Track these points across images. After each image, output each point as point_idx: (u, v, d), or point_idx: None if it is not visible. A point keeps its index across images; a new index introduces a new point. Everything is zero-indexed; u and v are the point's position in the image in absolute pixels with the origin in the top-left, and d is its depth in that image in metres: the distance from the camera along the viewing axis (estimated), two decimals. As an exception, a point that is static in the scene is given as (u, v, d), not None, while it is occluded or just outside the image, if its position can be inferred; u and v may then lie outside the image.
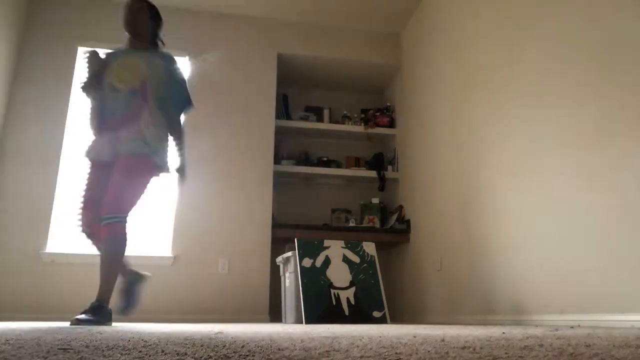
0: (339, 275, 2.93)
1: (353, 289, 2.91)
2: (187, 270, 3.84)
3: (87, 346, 0.84)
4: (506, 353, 0.71)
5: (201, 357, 0.69)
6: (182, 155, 2.67)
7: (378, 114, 4.77)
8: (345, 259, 2.99)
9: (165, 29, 4.32)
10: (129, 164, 2.37)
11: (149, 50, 2.62)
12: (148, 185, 2.45)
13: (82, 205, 2.41)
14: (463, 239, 3.28)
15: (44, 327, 1.80)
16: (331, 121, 4.72)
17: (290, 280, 3.11)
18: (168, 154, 2.58)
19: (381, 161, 4.63)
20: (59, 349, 0.79)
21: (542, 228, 2.48)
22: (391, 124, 4.74)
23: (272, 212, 4.14)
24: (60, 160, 3.92)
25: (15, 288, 3.58)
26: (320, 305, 2.80)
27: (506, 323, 2.69)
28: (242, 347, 0.86)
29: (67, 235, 3.81)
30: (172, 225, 3.93)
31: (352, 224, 4.42)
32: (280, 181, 4.68)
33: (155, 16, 2.68)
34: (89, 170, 2.48)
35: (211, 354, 0.73)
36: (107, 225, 2.28)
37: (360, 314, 2.84)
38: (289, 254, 3.08)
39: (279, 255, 3.38)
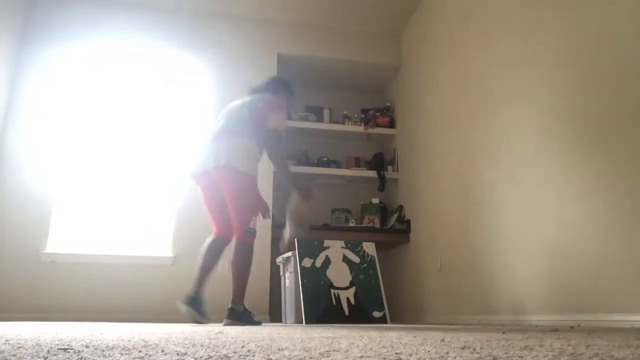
0: (339, 275, 2.93)
1: (353, 289, 2.90)
2: (187, 270, 3.83)
3: (87, 346, 0.84)
4: (506, 353, 0.71)
5: (201, 357, 0.69)
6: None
7: (378, 114, 4.77)
8: (345, 259, 2.99)
9: (166, 30, 4.34)
10: None
11: None
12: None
13: None
14: (463, 239, 3.28)
15: (44, 327, 1.80)
16: (331, 121, 4.71)
17: (290, 280, 3.10)
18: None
19: (381, 161, 4.63)
20: (59, 349, 0.79)
21: (542, 228, 2.48)
22: (391, 124, 4.74)
23: (272, 212, 4.14)
24: (61, 160, 3.92)
25: (15, 288, 3.57)
26: (320, 305, 2.80)
27: (506, 323, 2.69)
28: (242, 347, 0.86)
29: (67, 235, 3.81)
30: (172, 225, 3.93)
31: (352, 224, 4.42)
32: (280, 181, 4.68)
33: None
34: None
35: (211, 354, 0.73)
36: None
37: (360, 314, 2.84)
38: (289, 254, 3.08)
39: (279, 255, 3.37)
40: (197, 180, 2.66)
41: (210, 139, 2.63)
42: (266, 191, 4.08)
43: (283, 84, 2.97)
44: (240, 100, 2.82)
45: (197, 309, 2.53)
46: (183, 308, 2.51)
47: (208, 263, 2.61)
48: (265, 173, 4.14)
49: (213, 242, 2.65)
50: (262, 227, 3.99)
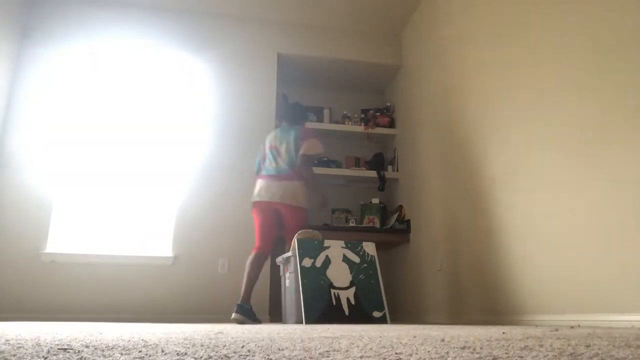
0: (339, 275, 2.93)
1: (353, 289, 2.90)
2: (187, 270, 3.84)
3: (87, 346, 0.84)
4: (506, 353, 0.71)
5: (201, 357, 0.69)
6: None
7: (378, 114, 4.77)
8: (345, 259, 2.99)
9: (166, 30, 4.34)
10: None
11: None
12: None
13: None
14: (463, 239, 3.28)
15: (44, 327, 1.80)
16: (331, 121, 4.71)
17: (290, 280, 3.11)
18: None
19: (381, 161, 4.62)
20: (59, 349, 0.79)
21: (542, 228, 2.48)
22: (391, 124, 4.74)
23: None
24: (61, 160, 3.92)
25: (15, 288, 3.58)
26: (320, 305, 2.80)
27: (506, 323, 2.69)
28: (242, 347, 0.86)
29: (67, 235, 3.81)
30: (172, 226, 3.93)
31: (352, 224, 4.42)
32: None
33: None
34: None
35: (211, 354, 0.73)
36: None
37: (360, 314, 2.84)
38: (289, 254, 3.08)
39: (279, 255, 3.37)
40: (255, 205, 3.30)
41: (270, 176, 3.31)
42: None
43: (301, 110, 3.58)
44: (284, 141, 3.37)
45: (248, 316, 3.07)
46: (238, 317, 3.04)
47: (254, 275, 3.19)
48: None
49: (256, 256, 3.24)
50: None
